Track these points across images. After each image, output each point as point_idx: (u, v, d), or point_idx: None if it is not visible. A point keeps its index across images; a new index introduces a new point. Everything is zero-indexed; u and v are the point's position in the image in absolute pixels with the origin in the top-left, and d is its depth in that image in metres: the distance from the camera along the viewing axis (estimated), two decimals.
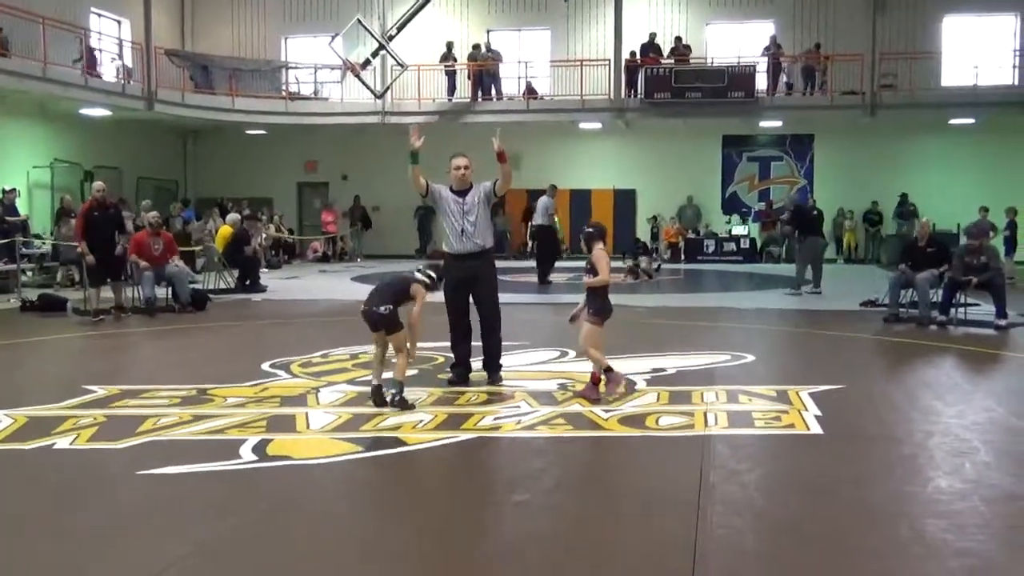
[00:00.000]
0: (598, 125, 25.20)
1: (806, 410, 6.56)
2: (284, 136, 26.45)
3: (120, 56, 23.00)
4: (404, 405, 6.59)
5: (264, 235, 22.19)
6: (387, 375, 6.79)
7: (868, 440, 5.89)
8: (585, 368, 8.10)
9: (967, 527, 4.27)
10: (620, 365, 8.27)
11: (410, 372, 7.91)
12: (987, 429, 6.15)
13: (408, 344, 6.74)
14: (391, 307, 6.69)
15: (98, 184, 12.81)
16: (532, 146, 26.25)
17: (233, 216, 18.80)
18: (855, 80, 23.38)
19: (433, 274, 7.00)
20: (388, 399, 6.65)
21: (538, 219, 17.61)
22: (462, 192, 7.38)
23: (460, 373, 7.49)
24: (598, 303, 6.97)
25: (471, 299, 7.49)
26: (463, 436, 5.91)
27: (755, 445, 5.72)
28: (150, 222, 13.29)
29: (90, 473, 5.26)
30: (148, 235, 13.09)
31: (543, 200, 17.54)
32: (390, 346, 6.78)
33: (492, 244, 7.56)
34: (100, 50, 22.32)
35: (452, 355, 7.64)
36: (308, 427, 6.17)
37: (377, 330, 6.76)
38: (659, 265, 20.29)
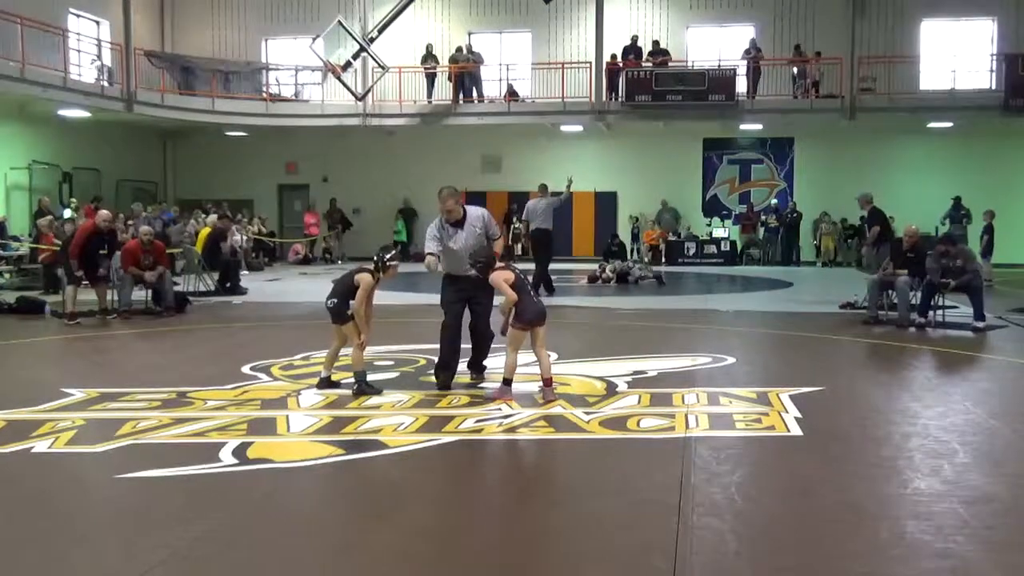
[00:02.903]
0: (579, 127, 25.25)
1: (786, 412, 6.59)
2: (264, 138, 26.37)
3: (99, 57, 22.85)
4: (369, 391, 7.10)
5: (244, 236, 22.07)
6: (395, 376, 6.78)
7: (848, 441, 5.92)
8: (565, 371, 8.12)
9: (946, 528, 4.30)
10: (602, 367, 8.32)
11: (391, 375, 7.92)
12: (965, 431, 6.19)
13: (360, 334, 7.20)
14: (335, 300, 7.24)
15: (105, 214, 12.79)
16: (513, 148, 26.29)
17: (212, 217, 18.69)
18: (835, 83, 23.54)
19: (382, 256, 7.28)
20: (352, 391, 7.13)
21: (541, 222, 15.95)
22: (456, 223, 7.41)
23: (445, 383, 7.48)
24: (516, 312, 6.94)
25: (467, 310, 7.61)
26: (445, 439, 5.89)
27: (736, 447, 5.74)
28: (143, 239, 13.13)
29: (68, 477, 5.21)
30: (140, 249, 12.94)
31: (547, 200, 16.12)
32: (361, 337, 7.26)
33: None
34: (79, 51, 22.19)
35: (435, 358, 7.69)
36: (289, 430, 6.14)
37: (334, 323, 7.28)
38: (654, 274, 19.37)
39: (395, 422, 6.28)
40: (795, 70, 24.02)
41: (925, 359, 9.48)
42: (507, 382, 6.92)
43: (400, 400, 6.96)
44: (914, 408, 6.89)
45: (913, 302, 11.70)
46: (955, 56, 23.83)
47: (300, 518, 4.53)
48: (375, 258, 7.31)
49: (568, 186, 16.75)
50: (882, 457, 5.58)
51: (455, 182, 7.76)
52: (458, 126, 24.88)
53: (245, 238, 22.09)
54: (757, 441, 5.91)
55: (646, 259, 25.04)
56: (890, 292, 12.05)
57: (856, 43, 23.82)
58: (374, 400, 6.96)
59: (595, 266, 19.89)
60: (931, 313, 11.56)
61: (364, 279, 7.20)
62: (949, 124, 23.57)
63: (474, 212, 7.52)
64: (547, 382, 6.95)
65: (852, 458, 5.57)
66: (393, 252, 7.40)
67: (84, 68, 22.25)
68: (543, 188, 16.82)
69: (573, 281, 19.27)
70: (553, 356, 8.70)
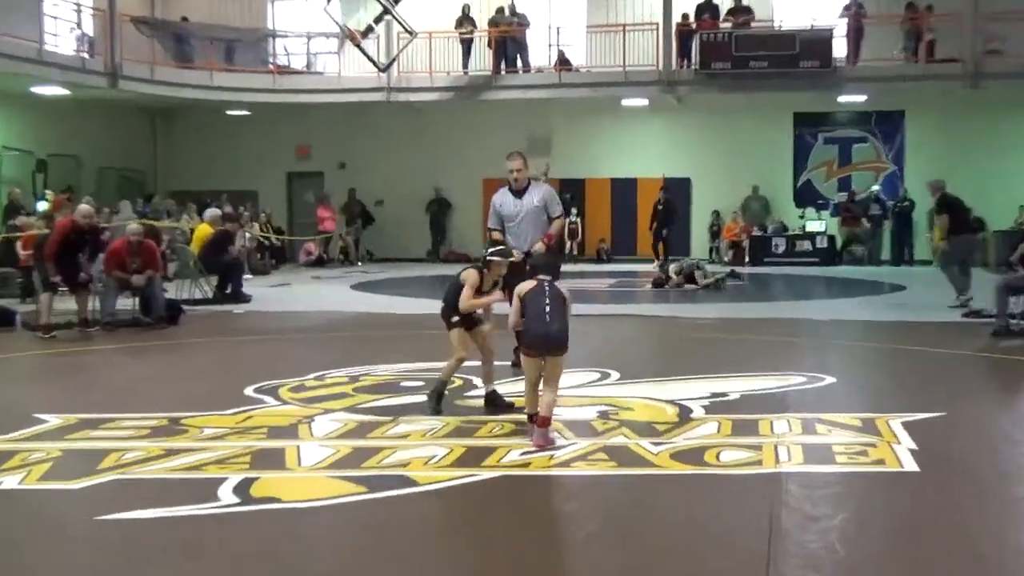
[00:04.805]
0: (644, 102, 25.18)
1: (898, 442, 6.50)
2: (271, 117, 26.63)
3: (79, 25, 23.20)
4: (434, 407, 7.35)
5: (248, 235, 22.30)
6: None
7: (973, 479, 5.82)
8: (629, 393, 8.09)
9: None
10: (673, 389, 8.27)
11: (421, 398, 7.90)
12: None
13: (463, 347, 7.41)
14: (443, 305, 7.46)
15: (86, 209, 13.05)
16: (565, 128, 26.28)
17: (212, 212, 18.89)
18: (954, 45, 23.17)
19: (491, 255, 7.51)
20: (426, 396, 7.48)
21: None
22: (519, 192, 8.64)
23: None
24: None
25: None
26: (484, 474, 5.88)
27: (836, 485, 5.68)
28: (129, 239, 13.26)
29: (42, 518, 5.27)
30: (127, 251, 13.10)
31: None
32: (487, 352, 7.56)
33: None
34: (56, 18, 22.56)
35: (471, 377, 8.15)
36: (300, 463, 6.17)
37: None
38: (721, 277, 19.01)
39: (426, 454, 6.29)
40: (905, 29, 23.70)
41: None
42: (531, 419, 6.63)
43: (432, 428, 6.96)
44: None
45: None
46: None
47: (312, 568, 4.54)
48: (486, 254, 7.66)
49: (545, 175, 17.11)
50: (1016, 498, 5.48)
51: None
52: (499, 101, 24.93)
53: (248, 236, 22.31)
54: (862, 478, 5.84)
55: (726, 257, 24.92)
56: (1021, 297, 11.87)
57: None
58: (400, 428, 6.97)
59: (674, 266, 19.09)
60: None
61: (469, 275, 7.43)
62: None
63: (538, 184, 8.83)
64: (540, 421, 6.54)
65: (978, 499, 5.48)
66: (500, 248, 7.70)
67: (62, 38, 22.60)
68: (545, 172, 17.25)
69: (636, 286, 19.20)
70: (613, 375, 8.68)
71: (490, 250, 7.60)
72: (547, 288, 6.71)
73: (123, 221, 17.19)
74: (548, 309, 6.60)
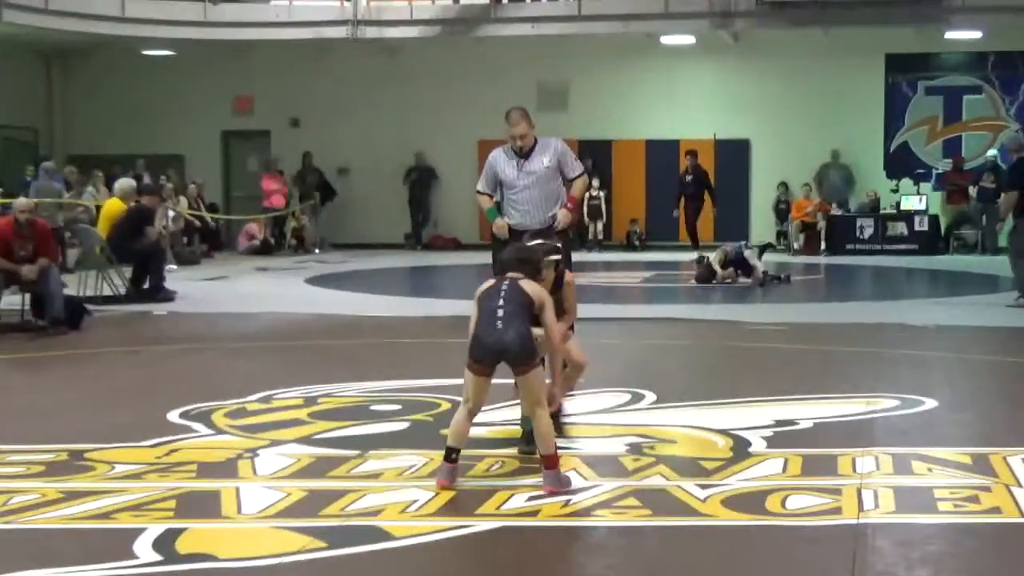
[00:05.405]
0: (691, 39, 25.18)
1: (1019, 486, 6.50)
2: (202, 59, 26.60)
3: None
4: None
5: (172, 213, 22.28)
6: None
7: None
8: (669, 421, 8.10)
9: None
10: (726, 415, 8.29)
11: (397, 425, 7.93)
12: None
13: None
14: None
15: None
16: (586, 74, 26.22)
17: (126, 183, 18.85)
18: None
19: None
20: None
21: None
22: (525, 154, 8.52)
23: None
24: None
25: None
26: (479, 525, 5.89)
27: (938, 539, 5.68)
28: (17, 218, 13.19)
29: None
30: (13, 233, 13.04)
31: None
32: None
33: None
34: None
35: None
36: (240, 511, 6.17)
37: None
38: (782, 275, 19.04)
39: (403, 499, 6.29)
40: None
41: None
42: (448, 455, 6.53)
43: (411, 465, 6.97)
44: None
45: None
46: None
47: None
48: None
49: None
50: None
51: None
52: (500, 39, 24.90)
53: (173, 214, 22.28)
54: (972, 531, 5.85)
55: (796, 244, 24.86)
56: None
57: None
58: (370, 465, 6.97)
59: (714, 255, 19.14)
60: None
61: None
62: None
63: (546, 141, 8.65)
64: (547, 461, 6.54)
65: None
66: (540, 243, 7.25)
67: None
68: None
69: (678, 280, 19.17)
70: (648, 397, 8.68)
71: (541, 247, 7.15)
72: (504, 287, 6.64)
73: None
74: (501, 313, 6.53)
